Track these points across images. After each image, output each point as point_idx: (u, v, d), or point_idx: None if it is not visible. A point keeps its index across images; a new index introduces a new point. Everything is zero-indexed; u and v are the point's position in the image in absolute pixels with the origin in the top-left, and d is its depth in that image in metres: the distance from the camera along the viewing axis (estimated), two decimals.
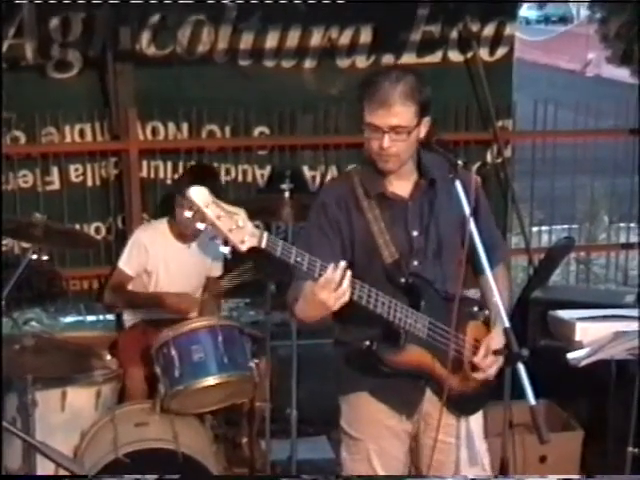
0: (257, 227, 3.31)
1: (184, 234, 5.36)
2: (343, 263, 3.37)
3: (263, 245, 3.28)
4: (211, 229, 3.25)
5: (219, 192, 5.36)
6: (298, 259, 3.35)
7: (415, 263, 3.68)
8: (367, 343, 3.60)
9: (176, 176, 6.27)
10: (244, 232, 3.24)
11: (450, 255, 3.69)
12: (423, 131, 3.60)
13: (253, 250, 3.29)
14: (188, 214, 3.25)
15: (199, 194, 3.23)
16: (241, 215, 3.26)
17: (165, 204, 5.54)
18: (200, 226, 3.25)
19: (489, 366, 3.63)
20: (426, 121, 3.59)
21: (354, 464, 3.86)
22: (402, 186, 3.68)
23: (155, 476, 3.85)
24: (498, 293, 3.51)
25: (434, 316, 3.62)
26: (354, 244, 3.66)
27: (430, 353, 3.65)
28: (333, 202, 3.68)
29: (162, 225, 5.50)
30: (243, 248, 3.25)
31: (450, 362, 3.63)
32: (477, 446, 3.84)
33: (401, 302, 3.58)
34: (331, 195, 3.74)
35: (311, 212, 3.75)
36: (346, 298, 3.39)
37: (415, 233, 3.68)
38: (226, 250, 3.27)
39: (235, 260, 4.94)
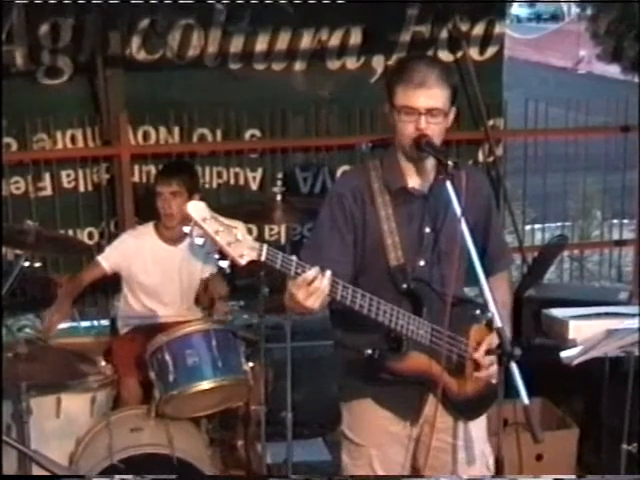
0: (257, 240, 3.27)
1: (171, 237, 5.38)
2: (317, 268, 3.34)
3: (263, 258, 3.23)
4: (209, 244, 3.23)
5: (196, 187, 5.47)
6: (298, 271, 3.32)
7: (421, 263, 3.66)
8: (369, 352, 3.58)
9: None
10: (243, 246, 3.20)
11: (460, 257, 3.58)
12: (450, 119, 3.61)
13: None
14: (186, 229, 3.22)
15: (197, 209, 3.19)
16: (240, 228, 3.22)
17: (149, 207, 5.53)
18: (199, 241, 3.21)
19: (490, 363, 3.59)
20: (453, 110, 3.60)
21: (356, 469, 3.83)
22: (422, 181, 3.66)
23: (152, 476, 3.84)
24: (500, 299, 3.52)
25: (436, 321, 3.59)
26: (364, 240, 3.64)
27: (433, 359, 3.62)
28: (349, 194, 3.64)
29: (148, 229, 5.53)
30: (242, 262, 3.21)
31: (453, 367, 3.62)
32: (481, 446, 3.83)
33: (404, 305, 3.56)
34: (347, 186, 3.70)
35: (325, 203, 3.71)
36: (322, 297, 3.34)
37: (427, 230, 3.66)
38: (225, 264, 3.25)
39: None
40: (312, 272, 3.31)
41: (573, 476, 4.97)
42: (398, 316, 3.51)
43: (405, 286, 3.60)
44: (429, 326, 3.58)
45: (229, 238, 3.19)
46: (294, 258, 3.32)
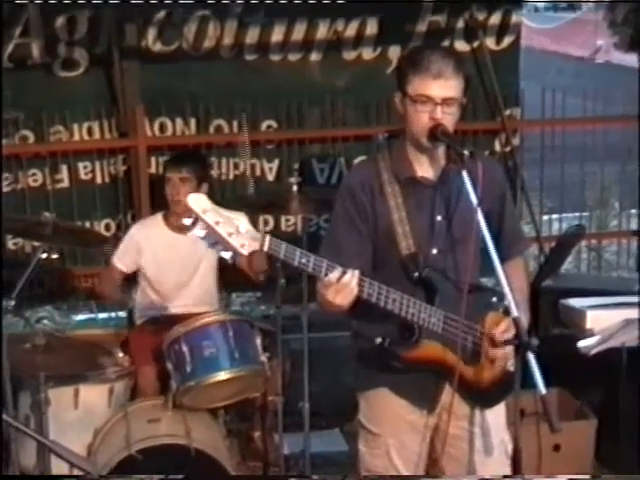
0: (267, 231, 3.28)
1: (180, 226, 5.38)
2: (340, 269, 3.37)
3: (265, 249, 3.25)
4: (211, 235, 3.23)
5: (206, 176, 5.47)
6: (303, 260, 3.32)
7: (434, 251, 3.65)
8: (379, 340, 3.59)
9: None
10: (245, 236, 3.20)
11: (472, 243, 3.57)
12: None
13: None
14: (187, 221, 3.23)
15: (197, 201, 3.20)
16: (242, 220, 3.22)
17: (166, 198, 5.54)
18: (199, 233, 3.22)
19: (505, 353, 3.58)
20: (464, 101, 3.61)
21: (373, 459, 3.84)
22: (432, 170, 3.66)
23: (161, 476, 3.85)
24: (516, 284, 3.52)
25: (450, 309, 3.58)
26: (376, 231, 3.65)
27: (447, 347, 3.61)
28: (359, 186, 3.66)
29: (156, 219, 5.55)
30: (244, 252, 3.22)
31: (468, 355, 3.61)
32: (500, 434, 3.80)
33: (417, 295, 3.56)
34: (356, 178, 3.73)
35: (337, 198, 3.73)
36: (354, 294, 3.38)
37: (439, 218, 3.65)
38: (227, 255, 3.26)
39: None
40: (336, 273, 3.33)
41: (587, 476, 4.93)
42: (409, 304, 3.50)
43: (417, 274, 3.60)
44: (442, 314, 3.57)
45: (230, 229, 3.19)
46: (298, 249, 3.33)
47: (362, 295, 3.42)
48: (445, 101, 3.50)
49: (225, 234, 3.19)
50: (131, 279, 5.63)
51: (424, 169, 3.66)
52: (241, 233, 3.21)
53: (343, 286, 3.36)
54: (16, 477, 4.75)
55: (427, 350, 3.61)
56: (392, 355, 3.60)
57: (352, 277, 3.37)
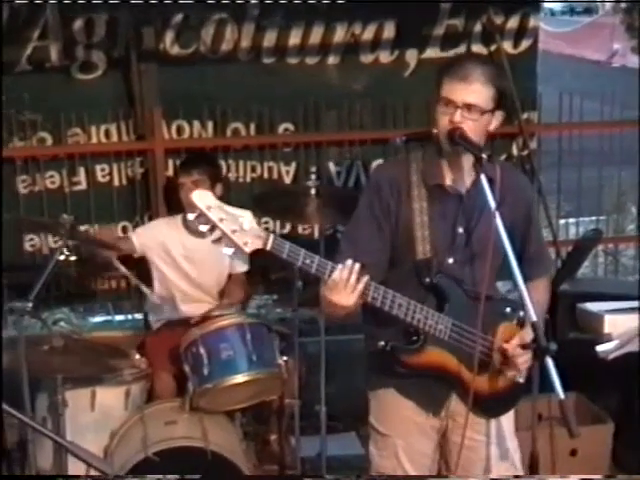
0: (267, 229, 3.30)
1: (199, 230, 5.38)
2: (349, 262, 3.36)
3: (268, 247, 3.27)
4: (215, 231, 3.25)
5: (219, 176, 5.48)
6: (306, 261, 3.33)
7: (450, 261, 3.65)
8: (382, 344, 3.60)
9: None
10: (248, 234, 3.23)
11: (492, 258, 3.51)
12: (494, 124, 3.62)
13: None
14: (191, 217, 3.25)
15: (202, 197, 3.23)
16: (246, 217, 3.24)
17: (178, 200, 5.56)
18: (203, 228, 3.25)
19: (519, 356, 3.57)
20: (499, 114, 3.61)
21: (382, 460, 3.86)
22: (460, 180, 3.66)
23: (176, 476, 3.86)
24: (535, 299, 3.49)
25: (461, 317, 3.58)
26: (397, 231, 3.65)
27: (453, 355, 3.61)
28: (386, 184, 3.67)
29: (177, 222, 5.55)
30: (247, 250, 3.24)
31: (476, 364, 3.58)
32: (507, 443, 3.81)
33: (428, 301, 3.56)
34: (385, 176, 3.73)
35: (363, 193, 3.75)
36: (359, 289, 3.37)
37: (460, 230, 3.66)
38: (230, 252, 3.27)
39: None
40: (345, 272, 3.34)
41: (600, 476, 4.92)
42: (415, 310, 3.50)
43: (428, 280, 3.60)
44: (449, 321, 3.57)
45: (233, 226, 3.21)
46: (302, 249, 3.33)
47: (367, 299, 3.43)
48: (467, 106, 3.50)
49: (228, 231, 3.21)
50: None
51: (453, 178, 3.66)
52: (245, 230, 3.23)
53: (346, 281, 3.35)
54: (32, 477, 4.76)
55: (431, 356, 3.61)
56: (394, 359, 3.61)
57: (353, 269, 3.35)
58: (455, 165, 3.65)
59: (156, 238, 5.52)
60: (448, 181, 3.66)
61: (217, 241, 3.27)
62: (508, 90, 3.68)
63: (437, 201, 3.65)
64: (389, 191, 3.65)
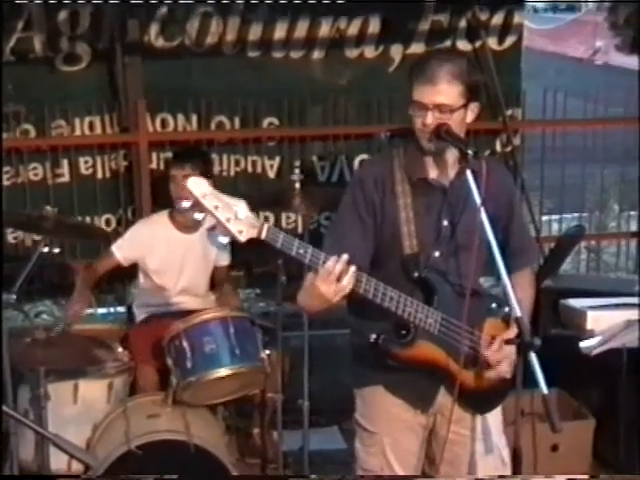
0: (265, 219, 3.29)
1: (186, 224, 5.38)
2: (345, 256, 3.34)
3: (263, 236, 3.25)
4: (210, 219, 3.24)
5: (209, 173, 5.46)
6: (300, 251, 3.32)
7: (436, 254, 3.66)
8: (373, 337, 3.58)
9: None
10: (243, 223, 3.21)
11: (475, 250, 3.52)
12: (470, 116, 3.61)
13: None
14: (186, 204, 3.24)
15: (197, 185, 3.20)
16: (241, 206, 3.23)
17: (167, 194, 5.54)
18: (198, 216, 3.24)
19: (498, 360, 3.60)
20: (474, 106, 3.60)
21: (368, 457, 3.84)
22: (444, 174, 3.66)
23: (155, 476, 3.85)
24: (519, 295, 3.48)
25: (449, 311, 3.58)
26: (382, 227, 3.65)
27: (442, 349, 3.61)
28: (370, 180, 3.66)
29: (162, 218, 5.53)
30: (241, 239, 3.23)
31: (463, 359, 3.59)
32: (495, 439, 3.81)
33: (416, 295, 3.56)
34: (369, 173, 3.73)
35: (347, 189, 3.73)
36: (346, 291, 3.36)
37: (445, 222, 3.66)
38: (225, 240, 3.27)
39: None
40: (339, 265, 3.32)
41: (585, 476, 4.94)
42: (406, 303, 3.50)
43: (416, 274, 3.60)
44: (439, 315, 3.57)
45: (228, 214, 3.20)
46: (296, 239, 3.33)
47: (359, 290, 3.41)
48: (437, 107, 3.50)
49: (223, 219, 3.20)
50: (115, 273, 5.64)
51: (436, 172, 3.66)
52: (240, 219, 3.21)
53: (339, 271, 3.32)
54: (16, 477, 4.74)
55: (421, 350, 3.61)
56: (386, 353, 3.59)
57: (345, 264, 3.34)
58: (439, 159, 3.65)
59: (139, 247, 5.47)
60: (432, 175, 3.66)
61: (211, 229, 3.25)
62: (481, 81, 3.65)
63: (421, 195, 3.64)
64: (373, 188, 3.64)
